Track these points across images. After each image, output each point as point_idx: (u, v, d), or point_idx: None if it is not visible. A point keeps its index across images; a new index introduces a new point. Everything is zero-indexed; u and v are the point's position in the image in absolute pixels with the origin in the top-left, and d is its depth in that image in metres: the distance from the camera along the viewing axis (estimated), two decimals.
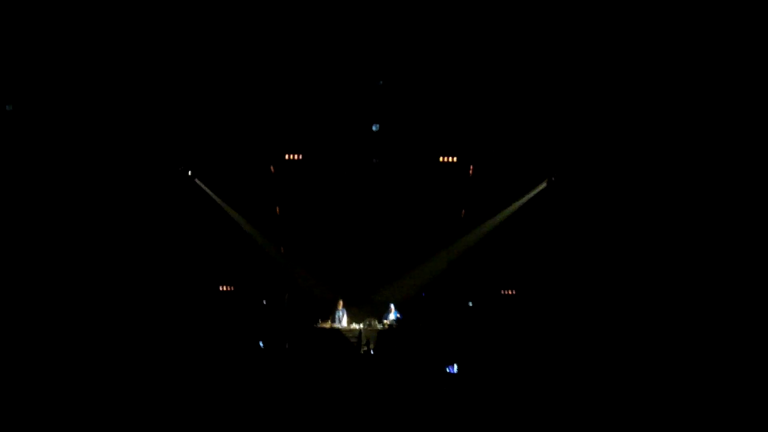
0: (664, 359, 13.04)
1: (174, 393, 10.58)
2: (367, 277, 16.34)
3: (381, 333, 14.94)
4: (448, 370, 13.01)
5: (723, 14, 12.34)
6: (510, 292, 16.21)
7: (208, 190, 15.93)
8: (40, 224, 14.38)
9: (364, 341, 14.75)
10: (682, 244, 14.57)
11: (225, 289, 16.07)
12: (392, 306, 15.57)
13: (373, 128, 15.34)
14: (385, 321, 15.41)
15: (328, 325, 15.26)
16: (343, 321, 15.40)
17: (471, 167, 15.90)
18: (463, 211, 16.18)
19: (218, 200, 16.00)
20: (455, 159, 15.89)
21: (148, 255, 15.23)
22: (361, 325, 15.16)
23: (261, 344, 14.65)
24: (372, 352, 14.14)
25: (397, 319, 15.38)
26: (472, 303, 16.18)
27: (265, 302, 16.08)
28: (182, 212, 15.72)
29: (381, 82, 14.66)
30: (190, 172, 15.77)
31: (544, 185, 15.89)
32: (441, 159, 15.92)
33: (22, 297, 13.94)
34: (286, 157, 15.89)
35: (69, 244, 14.61)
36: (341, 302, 15.65)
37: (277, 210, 16.16)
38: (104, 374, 11.50)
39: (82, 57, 13.44)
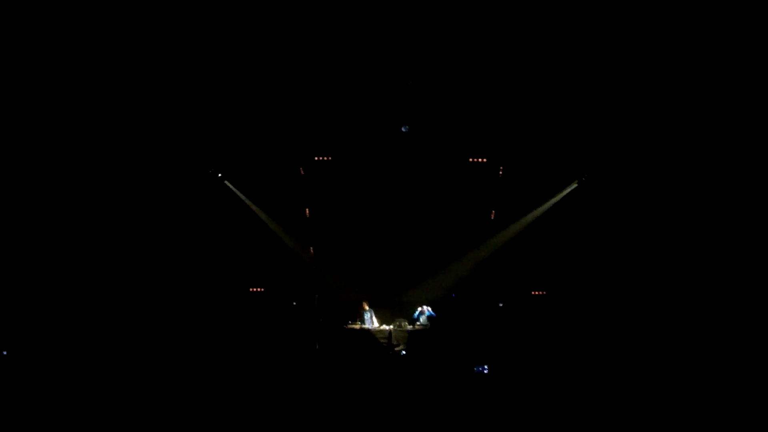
0: (698, 359, 12.90)
1: (205, 392, 10.64)
2: (397, 278, 16.29)
3: (411, 334, 14.90)
4: (478, 370, 12.95)
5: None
6: (541, 293, 16.09)
7: (238, 192, 15.99)
8: (73, 225, 14.56)
9: (394, 342, 14.72)
10: (715, 242, 14.43)
11: (255, 290, 16.10)
12: (425, 307, 15.50)
13: (403, 129, 15.33)
14: (417, 322, 15.35)
15: (357, 326, 15.26)
16: (374, 322, 15.38)
17: (501, 168, 15.81)
18: (493, 211, 16.09)
19: (248, 202, 16.05)
20: (485, 159, 15.82)
21: (178, 257, 15.33)
22: (391, 327, 15.13)
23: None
24: (403, 353, 14.11)
25: (430, 317, 15.32)
26: (503, 304, 16.08)
27: (295, 303, 16.10)
28: (212, 214, 15.78)
29: (410, 82, 14.65)
30: (219, 175, 15.82)
31: (575, 185, 15.75)
32: (470, 159, 15.86)
33: (52, 298, 14.15)
34: (316, 158, 15.91)
35: (100, 246, 14.77)
36: (366, 304, 15.62)
37: (307, 212, 16.18)
38: (133, 374, 11.61)
39: (114, 61, 13.59)
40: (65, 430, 8.88)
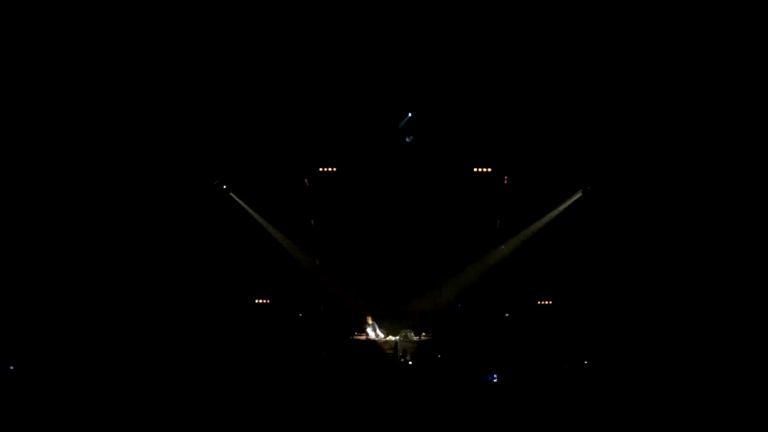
0: (706, 368, 12.84)
1: (212, 404, 10.62)
2: (402, 288, 16.26)
3: (418, 344, 14.89)
4: (488, 379, 12.89)
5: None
6: (547, 303, 16.04)
7: (243, 204, 15.99)
8: (78, 237, 14.59)
9: (400, 352, 14.69)
10: (719, 251, 14.40)
11: (261, 302, 16.08)
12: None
13: (407, 140, 15.37)
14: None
15: (363, 337, 15.24)
16: (379, 333, 15.36)
17: (505, 177, 15.82)
18: (498, 221, 16.08)
19: (253, 213, 16.04)
20: (489, 169, 15.83)
21: (183, 269, 15.32)
22: (398, 337, 15.11)
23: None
24: (410, 363, 14.08)
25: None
26: (509, 314, 16.04)
27: (300, 315, 16.07)
28: (217, 226, 15.78)
29: (414, 92, 14.71)
30: (225, 186, 15.84)
31: (579, 194, 15.73)
32: (475, 169, 15.86)
33: (55, 313, 14.17)
34: (320, 169, 15.93)
35: (105, 257, 14.79)
36: (369, 317, 15.59)
37: (312, 222, 16.19)
38: (138, 385, 11.59)
39: (120, 73, 13.70)
40: None
